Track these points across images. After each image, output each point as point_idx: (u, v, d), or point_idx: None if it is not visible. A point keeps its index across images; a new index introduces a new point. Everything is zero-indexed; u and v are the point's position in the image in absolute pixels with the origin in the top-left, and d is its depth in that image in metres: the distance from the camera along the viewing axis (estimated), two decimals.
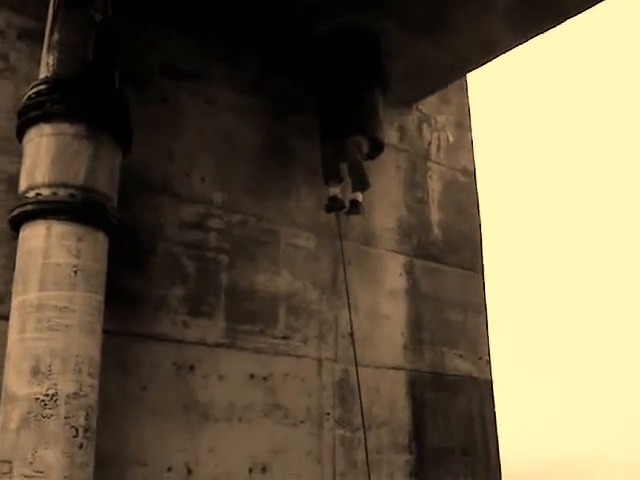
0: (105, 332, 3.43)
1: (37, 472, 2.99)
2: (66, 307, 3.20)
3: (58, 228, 3.30)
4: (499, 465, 5.62)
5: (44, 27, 3.70)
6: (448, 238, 5.88)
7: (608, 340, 19.52)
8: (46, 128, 3.42)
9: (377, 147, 4.85)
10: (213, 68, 4.81)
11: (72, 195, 3.34)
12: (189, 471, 4.04)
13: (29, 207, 3.34)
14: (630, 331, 18.83)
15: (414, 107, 5.98)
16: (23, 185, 3.42)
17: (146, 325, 4.11)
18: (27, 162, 3.44)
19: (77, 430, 3.12)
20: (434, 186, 5.93)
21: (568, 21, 4.87)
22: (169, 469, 3.98)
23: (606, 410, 16.98)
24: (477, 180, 6.29)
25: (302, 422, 4.57)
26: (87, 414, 3.18)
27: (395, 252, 5.46)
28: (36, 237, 3.30)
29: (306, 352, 4.74)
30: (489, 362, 5.82)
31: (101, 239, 3.45)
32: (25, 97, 3.52)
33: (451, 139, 6.21)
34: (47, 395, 3.07)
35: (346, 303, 4.83)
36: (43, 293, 3.20)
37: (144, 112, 4.14)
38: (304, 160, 5.06)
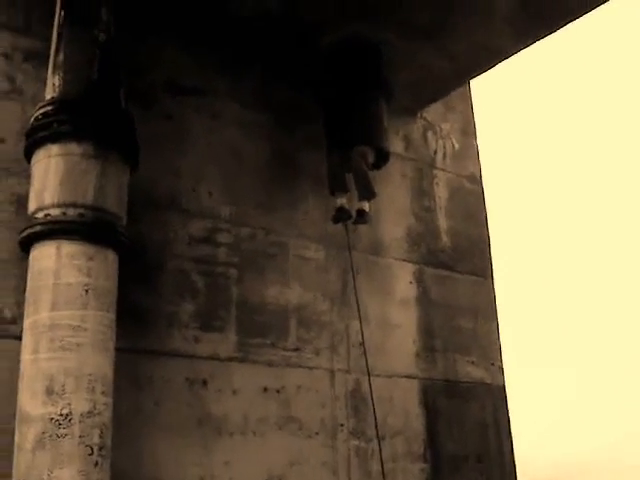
0: (117, 350, 3.43)
1: None
2: (78, 326, 3.20)
3: (68, 248, 3.30)
4: (515, 470, 5.59)
5: (49, 48, 3.71)
6: (457, 245, 5.88)
7: (619, 342, 19.44)
8: (54, 149, 3.42)
9: (383, 157, 4.85)
10: (217, 82, 4.82)
11: (81, 215, 3.34)
12: None
13: (38, 228, 3.34)
14: None
15: (418, 115, 5.99)
16: (32, 206, 3.43)
17: (158, 341, 4.12)
18: (35, 183, 3.44)
19: (92, 449, 3.11)
20: (441, 193, 5.92)
21: (570, 25, 4.88)
22: None
23: (618, 412, 16.89)
24: (484, 186, 6.29)
25: (317, 434, 4.57)
26: (101, 432, 3.17)
27: (404, 261, 5.46)
28: (46, 257, 3.30)
29: (318, 363, 4.74)
30: (501, 368, 5.80)
31: (111, 257, 3.45)
32: (32, 118, 3.53)
33: (456, 146, 6.20)
34: (61, 415, 3.07)
35: (356, 313, 4.82)
36: (55, 313, 3.20)
37: (149, 129, 4.14)
38: (311, 171, 5.06)
